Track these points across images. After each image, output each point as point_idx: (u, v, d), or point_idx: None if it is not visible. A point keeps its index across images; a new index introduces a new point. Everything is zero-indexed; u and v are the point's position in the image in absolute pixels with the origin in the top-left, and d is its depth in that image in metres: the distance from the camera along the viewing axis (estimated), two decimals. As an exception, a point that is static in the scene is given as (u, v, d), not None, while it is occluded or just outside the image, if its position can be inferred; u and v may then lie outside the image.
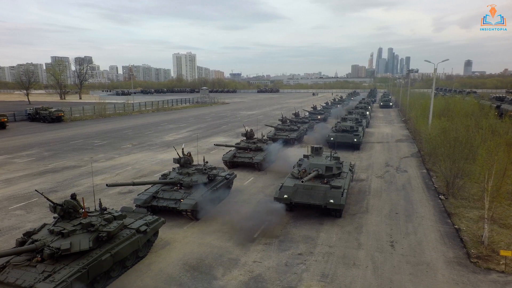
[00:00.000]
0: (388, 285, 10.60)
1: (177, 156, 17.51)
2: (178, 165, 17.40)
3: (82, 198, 11.69)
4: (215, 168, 17.75)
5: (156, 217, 12.81)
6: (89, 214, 10.98)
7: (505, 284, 10.58)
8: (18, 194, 18.85)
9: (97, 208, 11.51)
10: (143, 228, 11.63)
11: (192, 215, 14.76)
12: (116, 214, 11.49)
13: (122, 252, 10.67)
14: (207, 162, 17.87)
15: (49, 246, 9.52)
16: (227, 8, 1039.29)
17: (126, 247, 10.82)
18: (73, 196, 11.15)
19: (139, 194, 15.78)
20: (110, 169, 24.08)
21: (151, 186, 16.33)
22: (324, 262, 11.92)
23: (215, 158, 25.51)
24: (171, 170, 17.47)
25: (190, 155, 17.73)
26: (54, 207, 10.61)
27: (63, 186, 20.29)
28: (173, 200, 15.04)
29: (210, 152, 28.70)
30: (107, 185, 13.61)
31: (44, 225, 10.90)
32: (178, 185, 15.77)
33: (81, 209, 10.84)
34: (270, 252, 12.55)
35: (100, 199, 12.39)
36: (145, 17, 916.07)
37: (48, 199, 11.05)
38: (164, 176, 16.79)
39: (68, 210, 10.59)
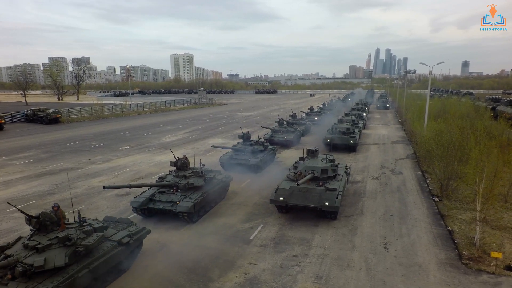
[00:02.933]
0: (381, 286, 10.80)
1: (174, 159, 17.67)
2: (175, 167, 17.56)
3: (61, 211, 10.44)
4: (211, 170, 17.91)
5: (141, 227, 12.07)
6: (67, 226, 10.14)
7: (495, 285, 10.80)
8: (15, 197, 18.95)
9: (76, 219, 10.63)
10: (125, 240, 10.85)
11: (188, 218, 14.92)
12: (96, 225, 10.74)
13: (102, 266, 9.94)
14: (203, 165, 18.04)
15: (22, 262, 8.80)
16: (224, 8, 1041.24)
17: (106, 261, 10.07)
18: (55, 207, 10.34)
19: (136, 196, 15.95)
20: (108, 171, 24.20)
21: (148, 188, 16.48)
22: (318, 264, 12.11)
23: (212, 160, 25.63)
24: (168, 173, 17.63)
25: (186, 157, 17.89)
26: (29, 219, 9.68)
27: (61, 188, 20.39)
28: (170, 202, 15.21)
29: (207, 154, 28.85)
30: (104, 187, 13.79)
31: (20, 238, 10.07)
32: (175, 187, 15.94)
33: (57, 226, 9.99)
34: (266, 254, 12.73)
35: (79, 210, 11.58)
36: (142, 17, 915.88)
37: (22, 211, 10.17)
38: (161, 179, 16.93)
39: (44, 223, 9.69)
